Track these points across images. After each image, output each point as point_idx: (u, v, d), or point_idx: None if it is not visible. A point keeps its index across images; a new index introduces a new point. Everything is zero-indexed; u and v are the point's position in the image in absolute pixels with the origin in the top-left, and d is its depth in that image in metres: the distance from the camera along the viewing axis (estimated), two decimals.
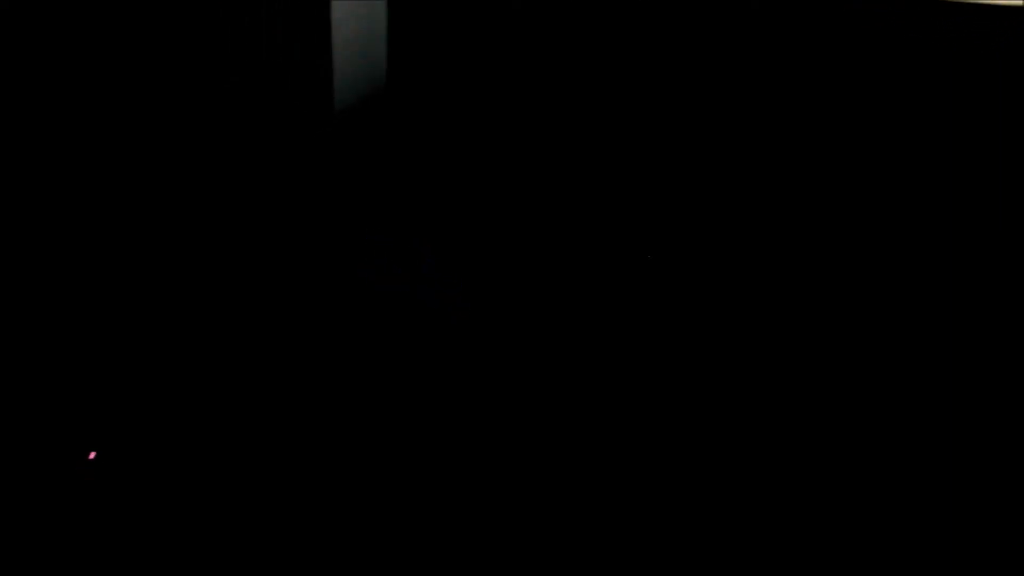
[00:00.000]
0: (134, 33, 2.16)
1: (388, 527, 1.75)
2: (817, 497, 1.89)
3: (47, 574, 1.59)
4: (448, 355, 2.28)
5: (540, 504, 1.83)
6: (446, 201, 2.55)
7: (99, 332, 2.17)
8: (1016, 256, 2.21)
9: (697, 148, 2.51)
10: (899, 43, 2.29)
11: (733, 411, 2.14)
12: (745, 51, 2.41)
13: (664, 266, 2.48)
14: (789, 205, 2.45)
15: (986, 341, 2.25)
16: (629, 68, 2.43)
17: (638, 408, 2.15)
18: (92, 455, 1.76)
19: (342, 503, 1.80)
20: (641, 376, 2.25)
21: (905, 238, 2.37)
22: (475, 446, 2.00)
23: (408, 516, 1.78)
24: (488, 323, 2.37)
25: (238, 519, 1.74)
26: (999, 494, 1.90)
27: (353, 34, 2.15)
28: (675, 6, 2.38)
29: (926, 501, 1.88)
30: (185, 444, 1.92)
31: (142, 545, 1.66)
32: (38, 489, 1.75)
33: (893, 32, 2.29)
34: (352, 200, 2.39)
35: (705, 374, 2.27)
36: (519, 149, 2.57)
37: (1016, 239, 2.22)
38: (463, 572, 1.67)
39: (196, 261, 2.27)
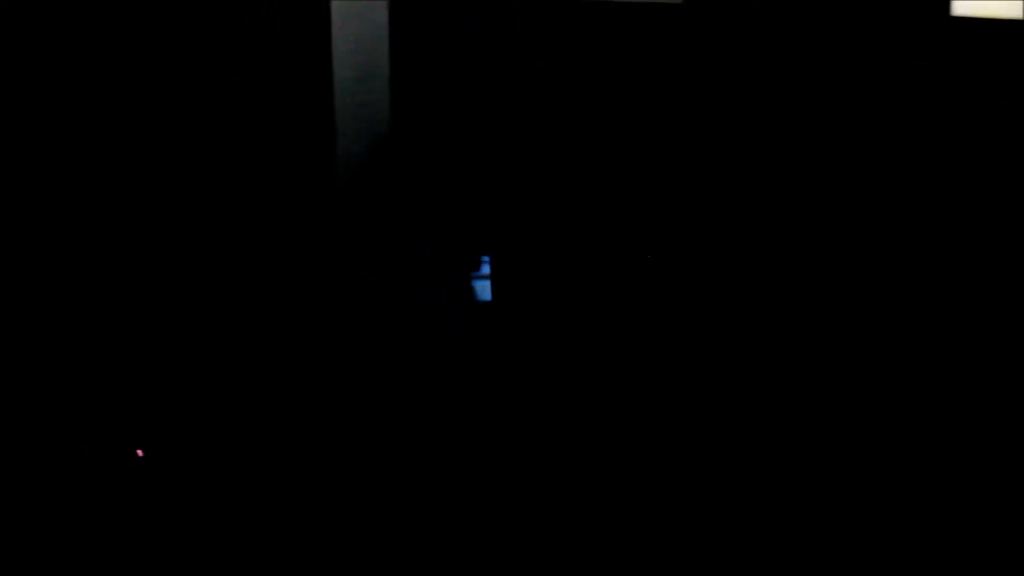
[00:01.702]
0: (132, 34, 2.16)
1: (385, 529, 1.75)
2: (817, 497, 1.89)
3: (47, 574, 1.59)
4: (448, 355, 2.28)
5: (539, 506, 1.83)
6: (446, 200, 2.55)
7: (96, 331, 2.17)
8: (1016, 267, 2.22)
9: (699, 155, 2.51)
10: (901, 57, 2.30)
11: (735, 418, 2.15)
12: (746, 66, 2.42)
13: (664, 268, 2.48)
14: (792, 220, 2.46)
15: (985, 344, 2.26)
16: (626, 88, 2.44)
17: (641, 413, 2.16)
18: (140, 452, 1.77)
19: (339, 504, 1.80)
20: (643, 379, 2.26)
21: (906, 249, 2.38)
22: (474, 448, 2.01)
23: (405, 517, 1.78)
24: (488, 324, 2.37)
25: (235, 518, 1.74)
26: (999, 494, 1.90)
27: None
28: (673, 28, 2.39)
29: (926, 501, 1.88)
30: (183, 443, 1.92)
31: (142, 544, 1.66)
32: (38, 489, 1.75)
33: (895, 46, 2.30)
34: (352, 198, 2.39)
35: (706, 378, 2.27)
36: (517, 148, 2.57)
37: (1015, 248, 2.23)
38: (461, 572, 1.67)
39: (194, 261, 2.27)
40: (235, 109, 2.19)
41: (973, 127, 2.30)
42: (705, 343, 2.36)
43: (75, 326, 2.16)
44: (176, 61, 2.15)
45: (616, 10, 2.35)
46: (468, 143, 2.49)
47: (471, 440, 2.02)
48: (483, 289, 2.32)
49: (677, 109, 2.43)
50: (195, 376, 2.12)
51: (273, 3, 2.12)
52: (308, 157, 2.17)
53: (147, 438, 1.92)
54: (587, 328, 2.40)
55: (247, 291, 2.27)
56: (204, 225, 2.28)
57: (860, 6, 2.32)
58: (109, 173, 2.22)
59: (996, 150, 2.27)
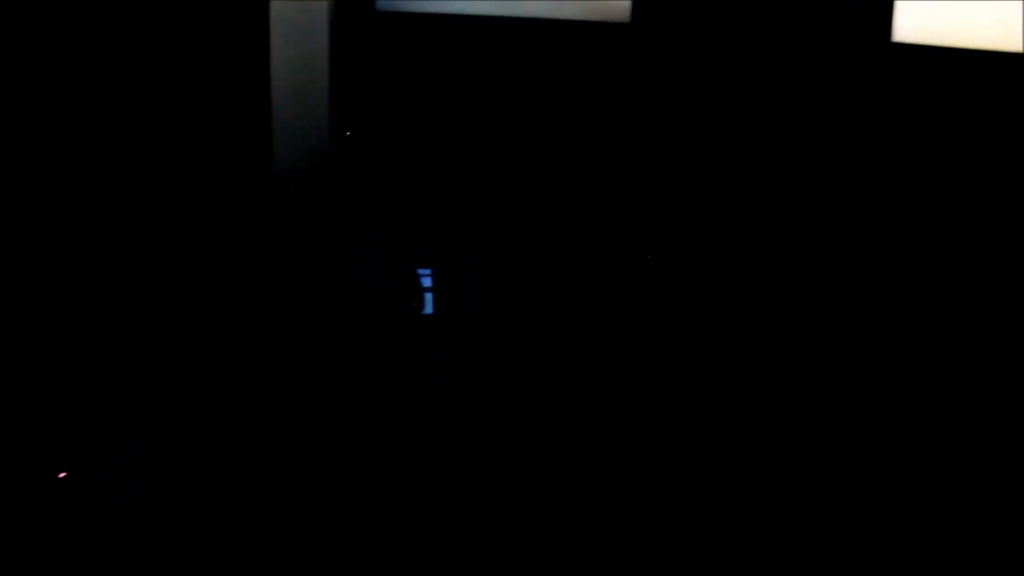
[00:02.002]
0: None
1: (385, 527, 1.75)
2: (817, 497, 1.89)
3: (47, 574, 1.59)
4: (447, 355, 2.28)
5: (537, 504, 1.83)
6: (446, 200, 2.55)
7: (96, 333, 2.17)
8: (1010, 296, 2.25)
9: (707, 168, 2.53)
10: (906, 88, 2.36)
11: (730, 417, 2.15)
12: (687, 82, 2.48)
13: (664, 267, 2.48)
14: (803, 247, 2.49)
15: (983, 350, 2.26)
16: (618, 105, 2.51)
17: (640, 412, 2.16)
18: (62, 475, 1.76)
19: (339, 502, 1.80)
20: (642, 378, 2.26)
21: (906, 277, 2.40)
22: (473, 447, 2.01)
23: (405, 515, 1.78)
24: (487, 325, 2.38)
25: (235, 517, 1.74)
26: (999, 494, 1.90)
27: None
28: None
29: (926, 501, 1.88)
30: (184, 444, 1.92)
31: (140, 545, 1.66)
32: (38, 489, 1.75)
33: (900, 77, 2.36)
34: (352, 199, 2.39)
35: (699, 379, 2.27)
36: (518, 148, 2.57)
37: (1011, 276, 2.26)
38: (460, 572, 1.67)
39: (197, 261, 2.27)
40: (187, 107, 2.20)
41: (912, 148, 2.36)
42: (693, 348, 2.36)
43: (72, 328, 2.16)
44: (138, 63, 2.16)
45: (569, 27, 2.46)
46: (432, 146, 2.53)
47: (470, 439, 2.02)
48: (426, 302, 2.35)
49: (623, 120, 2.50)
50: (196, 377, 2.12)
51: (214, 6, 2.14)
52: (247, 157, 2.19)
53: (146, 438, 1.92)
54: (583, 328, 2.40)
55: (246, 292, 2.27)
56: (193, 226, 2.28)
57: (802, 29, 2.40)
58: (105, 174, 2.23)
59: (933, 169, 2.33)
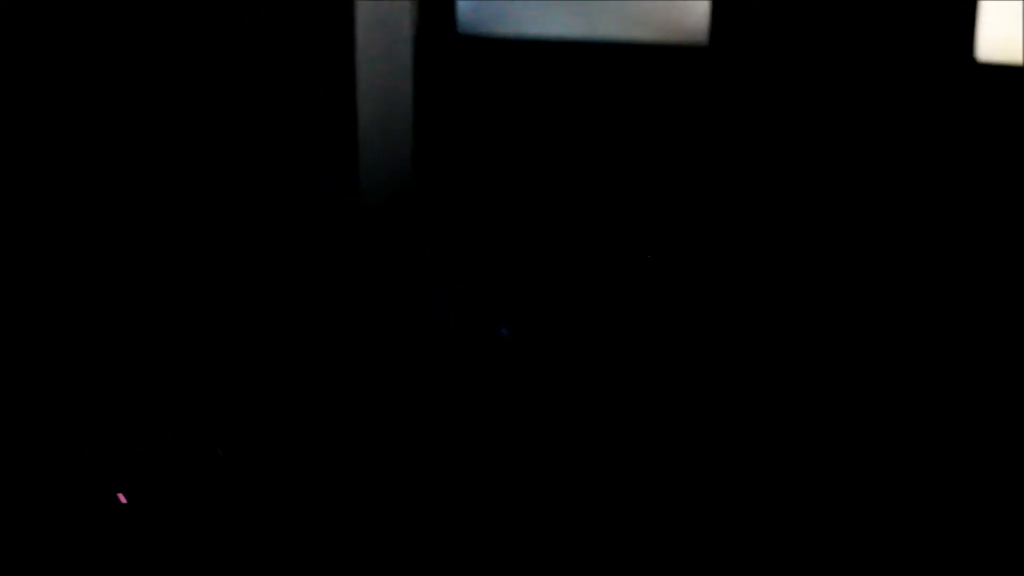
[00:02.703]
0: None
1: (385, 527, 1.75)
2: (817, 497, 1.89)
3: (47, 574, 1.59)
4: (448, 355, 2.28)
5: (537, 504, 1.83)
6: (447, 199, 2.55)
7: (98, 333, 2.17)
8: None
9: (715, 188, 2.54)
10: (922, 100, 2.37)
11: (730, 419, 2.15)
12: (766, 102, 2.48)
13: (664, 268, 2.48)
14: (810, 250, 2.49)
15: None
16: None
17: (641, 413, 2.16)
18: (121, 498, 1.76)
19: (339, 502, 1.80)
20: (643, 378, 2.26)
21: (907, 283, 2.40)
22: (473, 448, 2.01)
23: (406, 515, 1.78)
24: (488, 325, 2.37)
25: (235, 516, 1.74)
26: (999, 494, 1.90)
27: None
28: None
29: (926, 501, 1.88)
30: (185, 444, 1.92)
31: (140, 545, 1.66)
32: (38, 489, 1.75)
33: (916, 89, 2.36)
34: (352, 200, 2.39)
35: (699, 381, 2.27)
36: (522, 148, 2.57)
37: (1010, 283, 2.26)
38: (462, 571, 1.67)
39: (198, 261, 2.27)
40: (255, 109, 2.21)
41: (992, 169, 2.35)
42: (689, 350, 2.36)
43: (78, 327, 2.16)
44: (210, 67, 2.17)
45: (647, 51, 2.47)
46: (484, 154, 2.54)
47: (470, 439, 2.02)
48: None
49: (705, 141, 2.50)
50: (198, 376, 2.12)
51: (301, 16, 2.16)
52: (332, 163, 2.21)
53: (148, 438, 1.92)
54: (586, 330, 2.40)
55: (248, 291, 2.27)
56: (205, 227, 2.28)
57: (883, 48, 2.39)
58: (112, 172, 2.23)
59: (1011, 189, 2.32)
